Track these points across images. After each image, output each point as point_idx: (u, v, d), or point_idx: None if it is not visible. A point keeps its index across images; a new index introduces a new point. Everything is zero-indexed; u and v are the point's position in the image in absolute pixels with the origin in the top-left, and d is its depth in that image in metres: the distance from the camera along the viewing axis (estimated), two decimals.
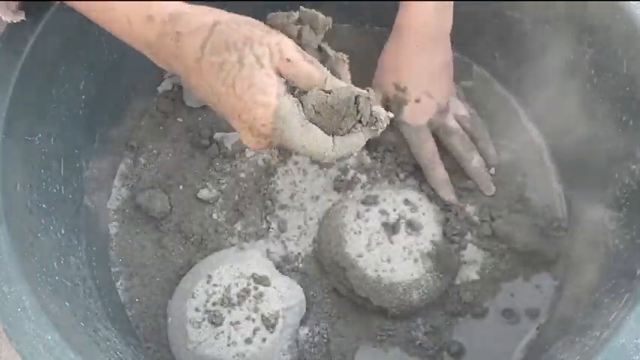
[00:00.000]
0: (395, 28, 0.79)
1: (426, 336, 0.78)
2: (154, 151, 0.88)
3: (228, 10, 0.56)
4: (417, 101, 0.79)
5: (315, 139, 0.52)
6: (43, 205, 0.69)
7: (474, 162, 0.83)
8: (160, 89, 0.91)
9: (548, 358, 0.69)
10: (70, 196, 0.76)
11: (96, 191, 0.82)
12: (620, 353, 0.55)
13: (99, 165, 0.83)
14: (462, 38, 0.93)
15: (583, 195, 0.81)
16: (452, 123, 0.83)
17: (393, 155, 0.86)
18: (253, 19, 0.55)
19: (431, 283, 0.77)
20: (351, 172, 0.85)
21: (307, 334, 0.78)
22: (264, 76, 0.51)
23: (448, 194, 0.82)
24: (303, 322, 0.78)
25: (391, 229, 0.78)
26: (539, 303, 0.81)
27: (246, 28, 0.52)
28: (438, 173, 0.83)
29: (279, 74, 0.52)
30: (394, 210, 0.79)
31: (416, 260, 0.77)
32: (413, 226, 0.78)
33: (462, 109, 0.85)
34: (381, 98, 0.80)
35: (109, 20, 0.54)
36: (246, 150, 0.88)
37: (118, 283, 0.82)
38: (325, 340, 0.78)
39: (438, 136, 0.83)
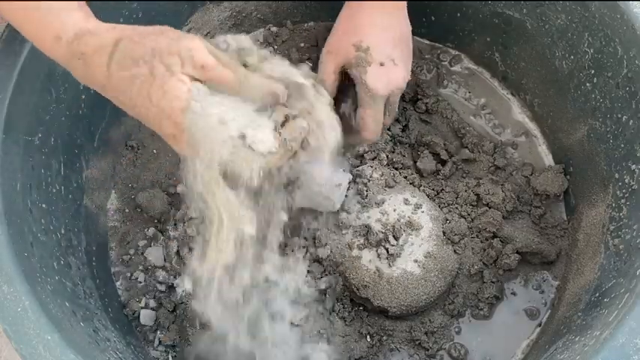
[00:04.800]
0: None
1: (426, 336, 0.78)
2: (154, 151, 0.88)
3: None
4: (382, 65, 0.73)
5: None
6: (43, 205, 0.69)
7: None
8: None
9: (548, 358, 0.69)
10: (70, 196, 0.76)
11: (96, 191, 0.82)
12: (619, 353, 0.55)
13: (99, 165, 0.83)
14: (462, 38, 0.93)
15: (583, 195, 0.81)
16: (396, 105, 0.78)
17: (393, 156, 0.86)
18: (162, 27, 0.55)
19: (431, 283, 0.77)
20: (352, 173, 0.85)
21: (308, 333, 0.78)
22: (176, 82, 0.51)
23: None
24: (303, 322, 0.78)
25: (391, 229, 0.78)
26: (539, 303, 0.81)
27: (151, 39, 0.53)
28: (365, 142, 0.80)
29: (196, 79, 0.53)
30: (394, 210, 0.79)
31: (416, 260, 0.77)
32: (413, 226, 0.78)
33: None
34: (334, 68, 0.75)
35: (33, 36, 0.56)
36: None
37: (118, 283, 0.82)
38: (325, 340, 0.77)
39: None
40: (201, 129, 0.52)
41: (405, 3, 0.76)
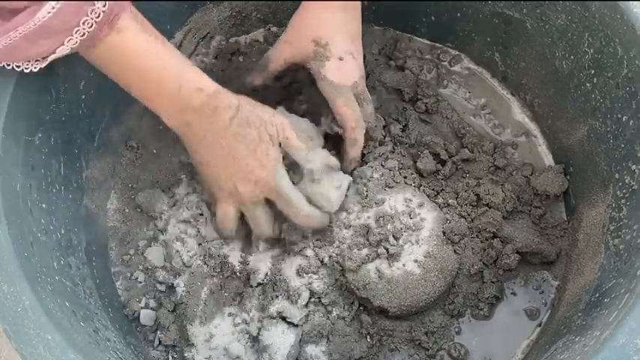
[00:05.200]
0: None
1: (426, 336, 0.78)
2: (154, 151, 0.88)
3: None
4: (341, 59, 0.77)
5: (295, 191, 0.75)
6: (43, 205, 0.69)
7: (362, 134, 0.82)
8: None
9: (548, 358, 0.69)
10: (70, 196, 0.76)
11: (96, 191, 0.82)
12: (619, 353, 0.55)
13: (99, 165, 0.83)
14: (462, 38, 0.93)
15: (583, 195, 0.81)
16: (367, 93, 0.82)
17: (393, 156, 0.86)
18: (257, 101, 0.74)
19: (431, 283, 0.77)
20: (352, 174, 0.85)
21: (308, 333, 0.78)
22: (274, 150, 0.72)
23: (355, 161, 0.83)
24: (303, 322, 0.78)
25: (391, 229, 0.78)
26: (539, 303, 0.81)
27: (259, 110, 0.72)
28: (360, 139, 0.81)
29: (279, 144, 0.73)
30: (394, 210, 0.79)
31: (416, 260, 0.77)
32: (413, 226, 0.78)
33: None
34: (288, 56, 0.79)
35: (157, 87, 0.66)
36: None
37: (118, 283, 0.82)
38: (325, 340, 0.77)
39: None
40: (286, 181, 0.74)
41: (359, 5, 0.79)
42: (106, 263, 0.82)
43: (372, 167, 0.84)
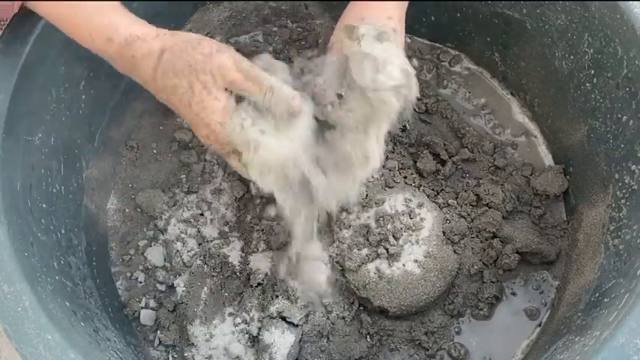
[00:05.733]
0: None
1: (426, 336, 0.78)
2: (154, 151, 0.89)
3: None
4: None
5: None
6: (43, 205, 0.69)
7: None
8: None
9: (548, 358, 0.69)
10: (70, 196, 0.76)
11: (96, 191, 0.82)
12: (619, 353, 0.55)
13: (99, 165, 0.83)
14: (462, 38, 0.93)
15: (583, 195, 0.81)
16: None
17: (393, 156, 0.86)
18: (198, 37, 0.62)
19: (431, 283, 0.77)
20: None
21: (308, 333, 0.78)
22: (212, 100, 0.60)
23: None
24: (303, 322, 0.78)
25: (391, 229, 0.78)
26: (539, 303, 0.82)
27: (189, 54, 0.60)
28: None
29: (228, 91, 0.61)
30: (394, 210, 0.79)
31: (416, 260, 0.77)
32: (413, 226, 0.78)
33: None
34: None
35: (75, 32, 0.62)
36: None
37: (118, 283, 0.82)
38: (325, 340, 0.77)
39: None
40: (239, 139, 0.61)
41: (403, 26, 0.73)
42: (106, 263, 0.82)
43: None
